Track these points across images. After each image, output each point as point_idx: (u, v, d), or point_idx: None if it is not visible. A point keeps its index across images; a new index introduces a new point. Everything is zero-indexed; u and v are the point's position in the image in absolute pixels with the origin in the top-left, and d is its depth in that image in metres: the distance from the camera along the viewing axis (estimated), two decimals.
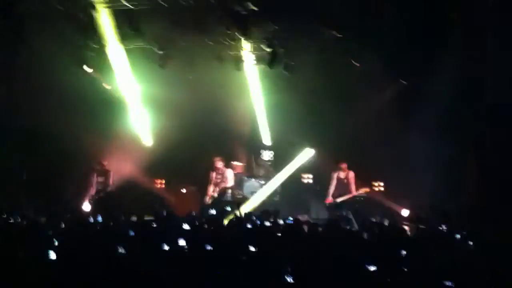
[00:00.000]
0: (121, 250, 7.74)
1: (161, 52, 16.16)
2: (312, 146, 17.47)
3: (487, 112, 14.39)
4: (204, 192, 15.85)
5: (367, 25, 14.05)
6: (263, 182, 17.39)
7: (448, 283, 6.29)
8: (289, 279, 6.47)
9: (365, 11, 13.57)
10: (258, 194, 17.00)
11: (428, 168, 15.17)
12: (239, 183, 17.11)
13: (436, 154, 15.07)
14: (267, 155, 18.09)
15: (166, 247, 8.04)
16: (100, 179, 15.71)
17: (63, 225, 10.41)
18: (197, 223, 10.65)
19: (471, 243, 8.90)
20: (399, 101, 16.02)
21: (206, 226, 10.66)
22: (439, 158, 15.04)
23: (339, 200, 14.84)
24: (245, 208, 14.70)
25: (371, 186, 16.29)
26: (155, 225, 10.56)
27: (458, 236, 9.65)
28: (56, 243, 8.04)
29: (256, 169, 17.69)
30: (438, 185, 14.64)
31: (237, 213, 12.13)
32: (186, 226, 9.97)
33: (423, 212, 12.90)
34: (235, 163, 17.44)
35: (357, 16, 13.87)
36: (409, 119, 15.57)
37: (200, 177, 16.37)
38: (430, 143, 15.11)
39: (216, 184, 15.52)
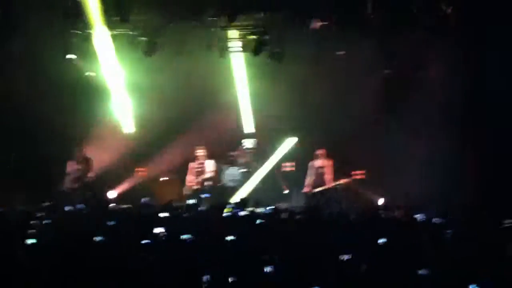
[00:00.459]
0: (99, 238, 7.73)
1: (145, 39, 16.03)
2: (295, 134, 17.41)
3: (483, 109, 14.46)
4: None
5: (355, 15, 14.03)
6: (244, 170, 17.32)
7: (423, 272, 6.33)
8: (268, 269, 6.45)
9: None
10: (242, 184, 16.94)
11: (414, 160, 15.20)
12: (219, 171, 17.08)
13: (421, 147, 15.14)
14: (249, 143, 18.00)
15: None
16: (80, 166, 15.62)
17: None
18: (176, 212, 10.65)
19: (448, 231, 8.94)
20: (387, 91, 15.97)
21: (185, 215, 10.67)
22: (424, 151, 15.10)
23: (316, 190, 14.82)
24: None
25: (351, 176, 16.13)
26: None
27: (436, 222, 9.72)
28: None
29: (237, 157, 17.60)
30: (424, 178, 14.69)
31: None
32: (163, 215, 9.99)
33: (399, 200, 12.85)
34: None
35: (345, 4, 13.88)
36: (397, 111, 15.57)
37: (182, 166, 16.33)
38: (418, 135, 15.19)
39: (195, 174, 15.43)
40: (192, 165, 15.50)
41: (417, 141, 15.09)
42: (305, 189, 15.13)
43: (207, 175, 15.49)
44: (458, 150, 14.94)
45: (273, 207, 11.86)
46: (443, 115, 15.21)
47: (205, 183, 15.59)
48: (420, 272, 6.38)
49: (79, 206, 11.52)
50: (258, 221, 9.82)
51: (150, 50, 16.09)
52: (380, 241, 8.09)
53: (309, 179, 15.11)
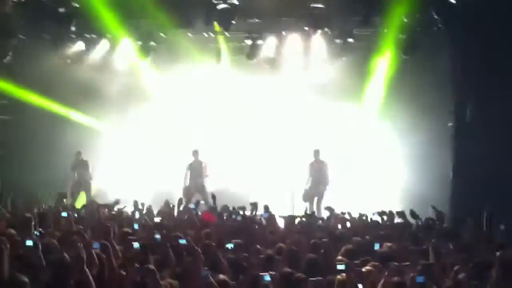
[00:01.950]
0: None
1: (140, 43, 16.12)
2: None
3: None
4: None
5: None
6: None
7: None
8: (267, 279, 6.44)
9: None
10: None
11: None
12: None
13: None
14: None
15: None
16: (79, 170, 15.65)
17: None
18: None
19: None
20: None
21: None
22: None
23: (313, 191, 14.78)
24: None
25: None
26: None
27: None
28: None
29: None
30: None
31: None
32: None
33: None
34: None
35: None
36: None
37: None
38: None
39: (191, 176, 15.44)
40: (188, 166, 15.57)
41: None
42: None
43: (204, 177, 15.54)
44: None
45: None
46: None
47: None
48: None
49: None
50: None
51: (144, 54, 16.23)
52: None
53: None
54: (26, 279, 5.65)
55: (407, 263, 7.08)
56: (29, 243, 6.63)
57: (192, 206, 12.38)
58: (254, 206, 12.10)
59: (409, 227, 10.61)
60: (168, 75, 16.88)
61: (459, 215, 12.54)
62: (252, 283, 6.35)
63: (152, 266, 6.10)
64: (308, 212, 13.67)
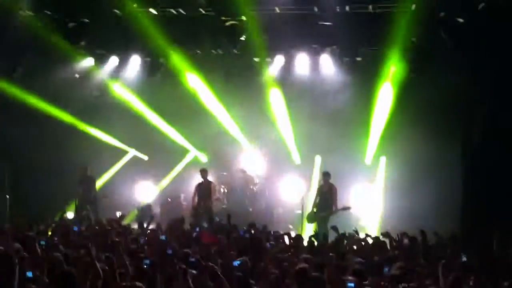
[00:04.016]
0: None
1: (148, 60, 16.22)
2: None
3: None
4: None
5: None
6: (248, 193, 17.33)
7: None
8: None
9: None
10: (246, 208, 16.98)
11: None
12: (226, 194, 17.14)
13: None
14: (253, 167, 18.08)
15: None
16: (85, 185, 15.65)
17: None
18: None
19: None
20: None
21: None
22: None
23: (321, 214, 14.57)
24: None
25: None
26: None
27: None
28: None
29: (241, 180, 17.63)
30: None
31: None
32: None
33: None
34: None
35: None
36: None
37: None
38: None
39: (200, 196, 15.33)
40: (197, 186, 15.46)
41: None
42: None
43: (213, 196, 15.39)
44: None
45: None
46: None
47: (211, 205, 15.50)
48: None
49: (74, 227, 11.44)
50: None
51: (153, 71, 16.34)
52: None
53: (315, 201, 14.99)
54: None
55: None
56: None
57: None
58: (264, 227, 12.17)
59: (419, 247, 10.54)
60: (176, 91, 16.89)
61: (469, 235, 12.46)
62: None
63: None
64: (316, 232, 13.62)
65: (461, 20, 13.33)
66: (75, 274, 6.20)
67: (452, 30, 13.47)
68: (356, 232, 11.59)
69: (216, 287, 6.65)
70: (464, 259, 9.12)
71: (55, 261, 7.18)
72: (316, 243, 10.95)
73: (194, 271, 7.18)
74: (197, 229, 11.88)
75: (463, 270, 8.12)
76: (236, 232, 11.42)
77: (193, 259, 7.58)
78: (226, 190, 17.30)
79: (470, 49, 13.59)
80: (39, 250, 7.99)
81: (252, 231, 11.54)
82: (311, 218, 14.70)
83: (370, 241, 11.19)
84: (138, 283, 5.96)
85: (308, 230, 14.79)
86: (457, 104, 14.87)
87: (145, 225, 12.10)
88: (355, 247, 10.80)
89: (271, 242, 10.62)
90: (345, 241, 11.11)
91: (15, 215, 12.53)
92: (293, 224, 16.26)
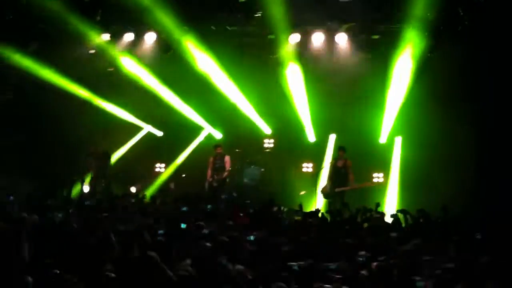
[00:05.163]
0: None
1: (163, 36, 16.17)
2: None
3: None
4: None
5: None
6: (263, 169, 17.41)
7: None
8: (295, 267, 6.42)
9: None
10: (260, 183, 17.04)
11: None
12: (240, 170, 17.19)
13: None
14: (267, 143, 18.13)
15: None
16: (97, 162, 15.73)
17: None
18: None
19: None
20: None
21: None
22: None
23: (337, 190, 14.56)
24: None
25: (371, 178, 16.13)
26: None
27: None
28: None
29: (256, 157, 17.69)
30: None
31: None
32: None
33: None
34: None
35: None
36: None
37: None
38: None
39: (215, 169, 15.48)
40: (211, 160, 15.57)
41: None
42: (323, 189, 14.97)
43: (227, 168, 15.53)
44: None
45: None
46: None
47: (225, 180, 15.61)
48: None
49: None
50: None
51: (167, 48, 16.32)
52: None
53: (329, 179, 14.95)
54: None
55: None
56: None
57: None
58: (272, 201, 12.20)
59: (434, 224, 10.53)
60: (190, 68, 16.85)
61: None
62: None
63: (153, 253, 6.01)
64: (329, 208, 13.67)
65: None
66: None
67: (470, 7, 13.30)
68: (377, 206, 11.59)
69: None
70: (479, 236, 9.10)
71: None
72: (329, 219, 10.98)
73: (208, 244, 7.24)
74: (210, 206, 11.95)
75: (476, 248, 8.13)
76: (248, 208, 11.51)
77: (206, 231, 7.61)
78: (239, 167, 17.34)
79: (489, 26, 13.40)
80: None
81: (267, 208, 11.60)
82: (326, 193, 14.69)
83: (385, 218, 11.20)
84: (151, 252, 5.99)
85: (320, 206, 14.82)
86: (474, 83, 14.70)
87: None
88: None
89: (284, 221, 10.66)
90: (360, 218, 11.14)
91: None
92: (305, 202, 16.30)
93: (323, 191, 14.85)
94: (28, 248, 6.39)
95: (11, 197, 10.62)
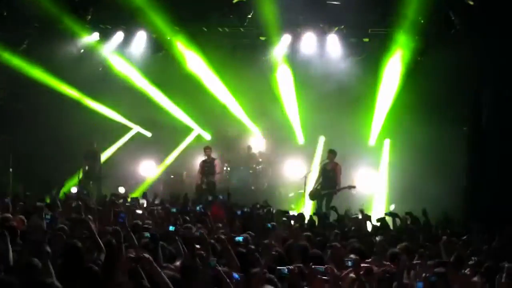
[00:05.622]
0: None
1: (154, 36, 16.13)
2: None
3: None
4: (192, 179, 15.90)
5: None
6: (251, 171, 17.41)
7: None
8: (285, 271, 6.38)
9: None
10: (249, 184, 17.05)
11: None
12: (230, 171, 17.16)
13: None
14: (256, 145, 18.10)
15: None
16: (89, 161, 15.67)
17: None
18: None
19: None
20: None
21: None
22: None
23: (323, 192, 14.51)
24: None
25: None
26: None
27: None
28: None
29: (245, 159, 17.69)
30: None
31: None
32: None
33: None
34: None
35: None
36: None
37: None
38: None
39: (204, 173, 15.45)
40: (201, 164, 15.54)
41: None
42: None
43: (216, 172, 15.54)
44: None
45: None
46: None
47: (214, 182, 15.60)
48: None
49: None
50: None
51: (158, 48, 16.27)
52: None
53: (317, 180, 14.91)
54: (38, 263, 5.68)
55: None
56: None
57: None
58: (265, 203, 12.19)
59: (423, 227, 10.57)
60: (181, 68, 16.81)
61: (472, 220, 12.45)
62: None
63: (147, 255, 5.99)
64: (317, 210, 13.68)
65: (471, 2, 13.21)
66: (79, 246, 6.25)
67: (461, 11, 13.36)
68: (362, 211, 11.56)
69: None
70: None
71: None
72: (317, 222, 10.97)
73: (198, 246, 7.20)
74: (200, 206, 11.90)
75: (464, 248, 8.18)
76: (237, 210, 11.48)
77: (197, 233, 7.58)
78: (229, 168, 17.33)
79: (479, 31, 13.47)
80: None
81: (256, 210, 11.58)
82: (312, 195, 14.66)
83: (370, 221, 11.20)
84: (145, 254, 5.96)
85: (308, 208, 14.82)
86: (464, 87, 14.77)
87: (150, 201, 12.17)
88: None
89: (272, 223, 10.61)
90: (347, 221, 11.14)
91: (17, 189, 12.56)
92: (295, 204, 16.31)
93: (309, 193, 14.83)
94: (13, 251, 6.36)
95: None
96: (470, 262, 7.27)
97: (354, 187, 14.71)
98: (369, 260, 7.31)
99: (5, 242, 6.34)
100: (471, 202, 13.93)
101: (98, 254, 6.71)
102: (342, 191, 14.36)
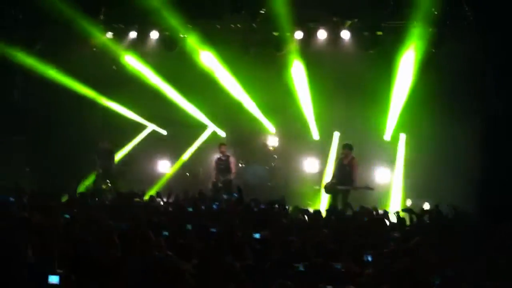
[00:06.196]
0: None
1: (167, 34, 16.14)
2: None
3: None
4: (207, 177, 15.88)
5: None
6: (267, 167, 17.41)
7: None
8: (301, 268, 6.37)
9: None
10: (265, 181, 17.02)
11: None
12: (244, 168, 17.17)
13: None
14: (271, 142, 18.08)
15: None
16: (103, 159, 15.75)
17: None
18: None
19: None
20: None
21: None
22: None
23: (339, 187, 14.39)
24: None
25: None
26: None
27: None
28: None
29: (260, 155, 17.69)
30: None
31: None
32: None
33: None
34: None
35: None
36: None
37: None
38: None
39: (219, 170, 15.44)
40: (216, 161, 15.55)
41: None
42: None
43: (232, 171, 15.52)
44: None
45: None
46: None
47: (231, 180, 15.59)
48: None
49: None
50: None
51: (172, 46, 16.29)
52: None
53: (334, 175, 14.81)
54: None
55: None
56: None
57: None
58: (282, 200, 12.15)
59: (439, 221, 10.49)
60: (194, 66, 16.81)
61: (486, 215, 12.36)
62: None
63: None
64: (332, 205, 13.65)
65: None
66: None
67: (476, 2, 13.24)
68: (375, 209, 11.49)
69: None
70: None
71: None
72: (332, 217, 10.94)
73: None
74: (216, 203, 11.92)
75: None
76: (254, 206, 11.48)
77: (214, 230, 7.59)
78: (244, 165, 17.33)
79: (494, 22, 13.33)
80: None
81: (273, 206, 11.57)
82: (328, 188, 14.54)
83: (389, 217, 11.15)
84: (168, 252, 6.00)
85: (325, 205, 14.77)
86: (479, 80, 14.63)
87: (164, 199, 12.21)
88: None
89: (288, 219, 10.61)
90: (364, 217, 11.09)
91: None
92: (311, 200, 16.27)
93: (325, 186, 14.72)
94: (32, 249, 6.39)
95: (11, 199, 10.60)
96: None
97: (372, 188, 14.44)
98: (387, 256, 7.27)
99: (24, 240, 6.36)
100: (484, 197, 13.78)
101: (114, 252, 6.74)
102: (358, 190, 14.23)
